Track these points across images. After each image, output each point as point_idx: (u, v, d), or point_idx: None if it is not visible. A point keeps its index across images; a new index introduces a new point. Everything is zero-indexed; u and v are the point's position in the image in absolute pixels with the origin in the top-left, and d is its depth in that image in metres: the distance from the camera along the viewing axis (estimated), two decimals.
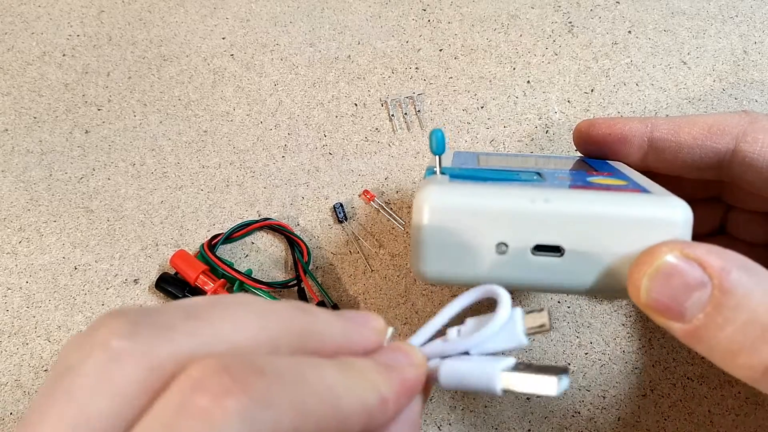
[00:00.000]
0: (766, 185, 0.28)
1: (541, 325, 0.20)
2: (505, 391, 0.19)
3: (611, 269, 0.21)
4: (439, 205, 0.21)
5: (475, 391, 0.20)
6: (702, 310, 0.20)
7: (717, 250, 0.20)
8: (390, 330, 0.20)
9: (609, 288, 0.22)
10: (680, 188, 0.30)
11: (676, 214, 0.21)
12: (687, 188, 0.31)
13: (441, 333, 0.21)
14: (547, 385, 0.19)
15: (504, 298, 0.20)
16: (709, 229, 0.33)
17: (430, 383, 0.20)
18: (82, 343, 0.16)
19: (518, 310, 0.20)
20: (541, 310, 0.20)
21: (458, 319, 0.22)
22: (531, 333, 0.20)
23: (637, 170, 0.29)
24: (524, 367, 0.19)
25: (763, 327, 0.19)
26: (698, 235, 0.27)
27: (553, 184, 0.23)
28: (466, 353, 0.20)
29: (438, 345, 0.21)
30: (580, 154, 0.33)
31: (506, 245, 0.22)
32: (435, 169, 0.24)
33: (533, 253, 0.22)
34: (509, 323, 0.20)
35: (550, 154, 0.35)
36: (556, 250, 0.22)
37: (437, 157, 0.24)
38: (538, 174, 0.25)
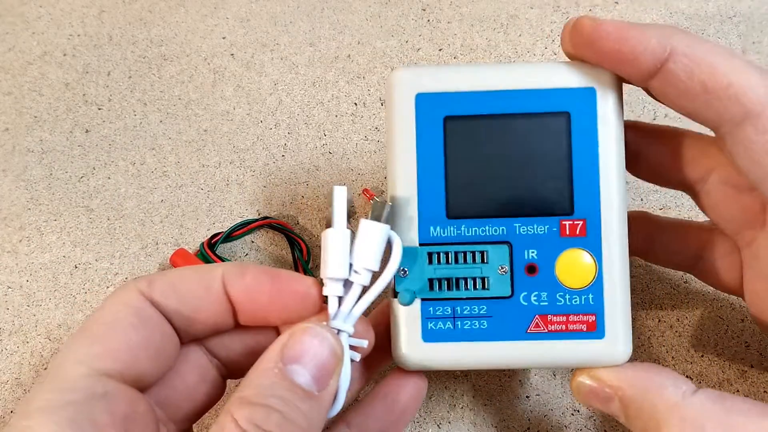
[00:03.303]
0: (754, 170, 0.24)
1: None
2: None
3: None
4: (417, 362, 0.27)
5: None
6: (621, 413, 0.26)
7: (616, 371, 0.26)
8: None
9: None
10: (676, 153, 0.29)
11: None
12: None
13: None
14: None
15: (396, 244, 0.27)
16: (700, 174, 0.29)
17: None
18: None
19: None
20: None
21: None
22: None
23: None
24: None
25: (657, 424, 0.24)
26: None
27: (515, 322, 0.27)
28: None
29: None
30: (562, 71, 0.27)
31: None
32: (412, 299, 0.28)
33: None
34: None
35: (523, 106, 0.28)
36: None
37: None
38: (508, 245, 0.27)
